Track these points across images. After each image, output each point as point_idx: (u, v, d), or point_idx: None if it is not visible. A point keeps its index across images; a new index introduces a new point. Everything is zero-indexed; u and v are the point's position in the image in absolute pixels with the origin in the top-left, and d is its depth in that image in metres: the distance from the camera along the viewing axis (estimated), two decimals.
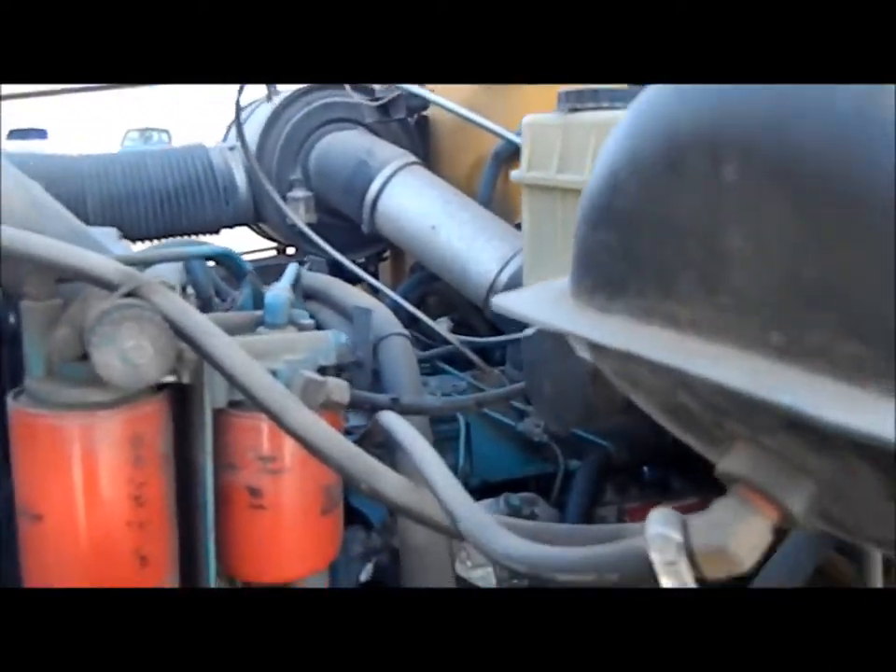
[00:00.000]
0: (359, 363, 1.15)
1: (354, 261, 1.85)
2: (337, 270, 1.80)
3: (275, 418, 0.67)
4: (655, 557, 0.35)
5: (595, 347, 0.41)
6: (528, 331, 0.81)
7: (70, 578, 0.76)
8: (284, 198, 1.98)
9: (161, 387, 0.80)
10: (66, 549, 0.76)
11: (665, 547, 0.35)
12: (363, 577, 1.06)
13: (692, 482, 1.45)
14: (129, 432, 0.76)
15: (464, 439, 1.37)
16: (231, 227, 2.13)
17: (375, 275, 2.15)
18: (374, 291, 1.79)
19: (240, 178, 2.07)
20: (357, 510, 1.17)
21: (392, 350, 1.14)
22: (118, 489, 0.76)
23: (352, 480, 0.66)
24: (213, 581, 0.83)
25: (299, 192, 2.02)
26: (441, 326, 1.76)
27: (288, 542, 0.86)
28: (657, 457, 1.43)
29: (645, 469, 1.47)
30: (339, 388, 0.80)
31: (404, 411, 0.91)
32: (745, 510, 0.34)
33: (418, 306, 1.75)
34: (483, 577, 1.16)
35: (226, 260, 0.98)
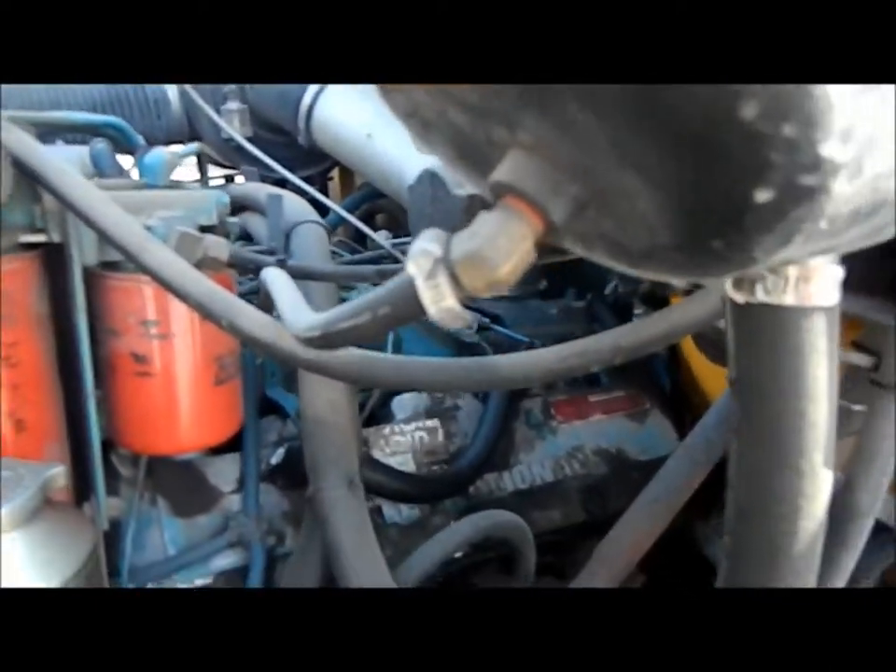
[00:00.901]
0: (273, 251, 1.12)
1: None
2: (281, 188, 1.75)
3: (131, 255, 0.65)
4: (415, 273, 0.33)
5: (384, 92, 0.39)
6: (412, 181, 0.78)
7: None
8: (217, 111, 1.91)
9: (31, 247, 0.77)
10: None
11: (424, 260, 0.33)
12: (274, 460, 1.05)
13: (622, 378, 1.45)
14: None
15: (392, 338, 1.36)
16: (164, 144, 2.05)
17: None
18: (320, 206, 1.75)
19: (172, 91, 1.99)
20: (273, 401, 1.16)
21: (304, 236, 1.11)
22: None
23: (211, 317, 0.64)
24: (97, 452, 0.81)
25: (233, 104, 1.95)
26: (380, 235, 1.73)
27: (179, 412, 0.84)
28: None
29: None
30: (217, 245, 0.77)
31: (293, 273, 0.88)
32: (505, 216, 0.32)
33: (365, 223, 1.71)
34: (403, 462, 1.16)
35: (115, 133, 0.94)
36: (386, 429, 1.16)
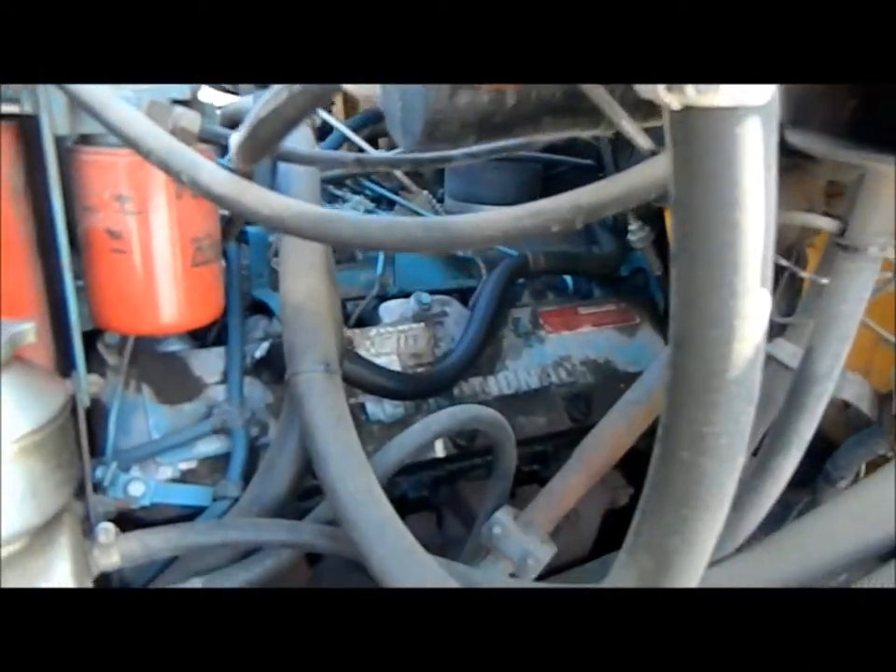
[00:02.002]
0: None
1: None
2: None
3: (95, 113, 0.65)
4: None
5: None
6: None
7: None
8: None
9: (2, 117, 0.77)
10: None
11: None
12: (258, 354, 1.06)
13: (614, 293, 1.44)
14: None
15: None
16: None
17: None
18: (324, 125, 1.73)
19: None
20: (259, 301, 1.17)
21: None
22: None
23: (172, 172, 0.64)
24: (75, 326, 0.82)
25: None
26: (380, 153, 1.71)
27: (156, 290, 0.85)
28: (576, 267, 1.42)
29: (568, 279, 1.46)
30: (188, 116, 0.77)
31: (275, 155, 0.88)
32: None
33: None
34: (388, 363, 1.17)
35: None
36: (372, 331, 1.17)
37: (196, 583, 0.86)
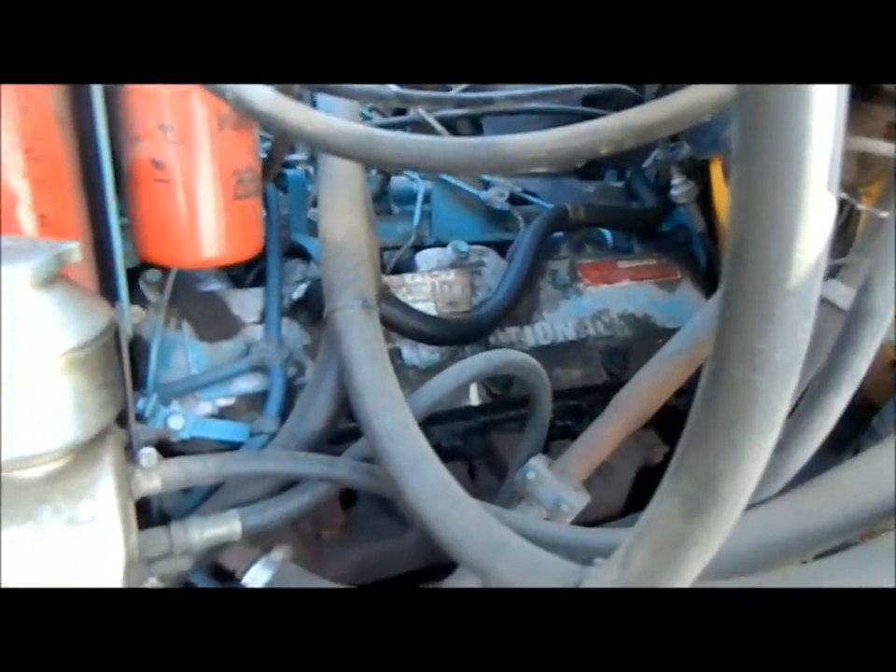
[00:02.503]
0: (299, 95, 1.11)
1: None
2: None
3: None
4: None
5: None
6: None
7: None
8: None
9: None
10: None
11: None
12: (295, 295, 1.07)
13: (655, 248, 1.41)
14: None
15: (420, 200, 1.34)
16: None
17: None
18: None
19: None
20: (297, 244, 1.17)
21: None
22: (9, 138, 0.74)
23: (217, 91, 0.63)
24: (118, 254, 0.83)
25: None
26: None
27: (196, 222, 0.85)
28: (615, 220, 1.39)
29: (607, 234, 1.44)
30: None
31: (312, 88, 0.87)
32: None
33: None
34: (424, 310, 1.16)
35: None
36: (408, 277, 1.16)
37: (233, 515, 0.87)
